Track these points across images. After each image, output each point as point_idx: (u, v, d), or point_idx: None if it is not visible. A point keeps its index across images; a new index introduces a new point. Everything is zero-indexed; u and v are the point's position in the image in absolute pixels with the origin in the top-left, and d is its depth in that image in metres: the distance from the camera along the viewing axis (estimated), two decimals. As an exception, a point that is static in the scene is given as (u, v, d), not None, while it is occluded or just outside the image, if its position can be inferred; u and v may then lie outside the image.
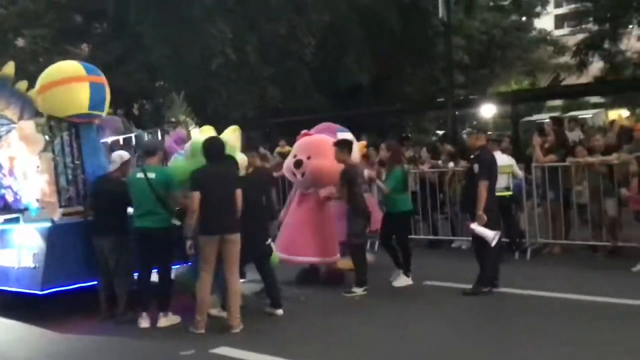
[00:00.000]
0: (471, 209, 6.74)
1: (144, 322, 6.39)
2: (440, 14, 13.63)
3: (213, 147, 6.20)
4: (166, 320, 6.37)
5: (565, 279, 7.31)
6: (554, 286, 6.83)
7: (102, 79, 7.44)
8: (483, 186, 6.58)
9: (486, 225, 6.56)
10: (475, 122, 24.86)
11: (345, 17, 18.22)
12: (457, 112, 17.00)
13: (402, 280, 7.45)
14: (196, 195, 5.95)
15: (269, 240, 6.72)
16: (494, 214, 6.77)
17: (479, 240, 6.72)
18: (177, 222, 6.45)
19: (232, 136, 7.06)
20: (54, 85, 7.15)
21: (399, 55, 20.05)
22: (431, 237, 10.09)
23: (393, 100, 21.60)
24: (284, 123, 18.68)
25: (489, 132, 7.15)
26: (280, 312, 6.49)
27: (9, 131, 7.36)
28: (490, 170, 6.76)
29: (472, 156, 6.98)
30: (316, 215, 7.64)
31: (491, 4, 25.10)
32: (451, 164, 9.89)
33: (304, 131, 8.20)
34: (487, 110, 20.98)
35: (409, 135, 18.60)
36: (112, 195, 6.57)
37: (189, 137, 7.83)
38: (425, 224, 10.09)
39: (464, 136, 7.86)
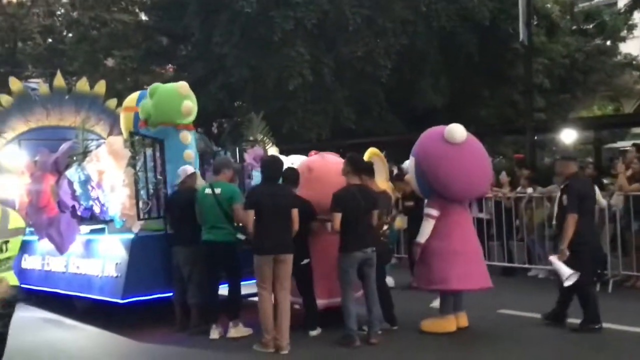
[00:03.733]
0: (557, 240, 6.42)
1: (214, 334, 6.55)
2: (521, 37, 13.35)
3: (271, 166, 6.26)
4: (235, 331, 6.49)
5: None
6: (634, 320, 6.50)
7: None
8: (571, 219, 6.18)
9: (568, 263, 6.19)
10: (554, 148, 24.12)
11: (424, 40, 18.17)
12: (536, 137, 16.54)
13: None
14: (250, 213, 6.02)
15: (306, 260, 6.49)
16: (586, 251, 6.31)
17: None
18: (241, 237, 6.49)
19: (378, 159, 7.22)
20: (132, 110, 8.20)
21: (476, 77, 19.78)
22: (506, 264, 9.84)
23: (468, 124, 21.25)
24: (358, 144, 18.74)
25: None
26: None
27: (98, 146, 7.77)
28: (582, 201, 6.30)
29: (562, 186, 6.60)
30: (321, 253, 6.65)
31: (574, 27, 24.41)
32: (529, 190, 9.64)
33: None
34: (568, 136, 20.29)
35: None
36: (181, 207, 6.82)
37: (266, 155, 8.03)
38: (500, 250, 9.85)
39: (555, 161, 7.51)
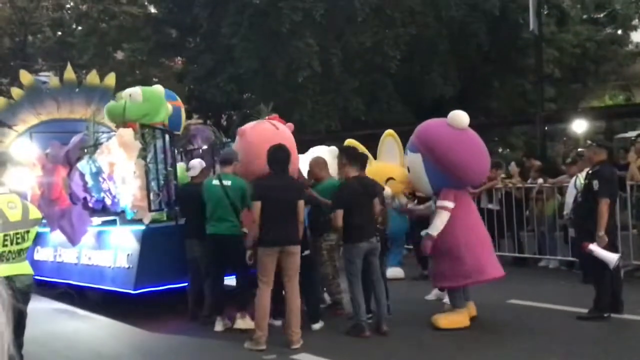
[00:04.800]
0: (585, 227, 6.37)
1: (218, 326, 6.56)
2: (531, 27, 13.27)
3: (277, 156, 6.03)
4: (243, 322, 6.45)
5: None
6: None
7: (177, 102, 8.68)
8: (604, 204, 6.12)
9: (606, 247, 6.13)
10: (565, 138, 23.98)
11: (433, 30, 18.10)
12: (546, 127, 16.47)
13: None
14: (257, 205, 5.82)
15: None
16: (613, 235, 6.36)
17: (596, 263, 6.24)
18: (246, 230, 6.48)
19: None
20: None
21: (485, 68, 19.71)
22: (516, 254, 9.82)
23: (478, 114, 21.19)
24: (368, 135, 18.71)
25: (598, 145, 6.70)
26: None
27: (109, 138, 7.81)
28: (612, 187, 6.32)
29: (590, 171, 6.54)
30: None
31: (585, 16, 24.22)
32: (540, 180, 9.60)
33: None
34: (579, 126, 20.17)
35: (494, 150, 18.22)
36: (197, 200, 6.81)
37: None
38: (510, 240, 9.83)
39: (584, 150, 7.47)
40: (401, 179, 7.83)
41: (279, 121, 7.26)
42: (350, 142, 8.04)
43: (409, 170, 6.70)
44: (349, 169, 6.25)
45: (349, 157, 6.33)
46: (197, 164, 7.11)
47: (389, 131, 8.17)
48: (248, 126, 7.07)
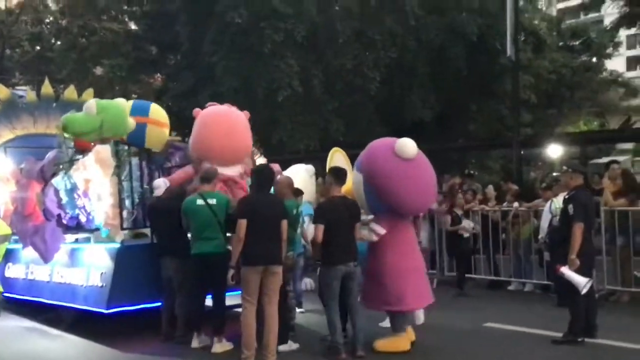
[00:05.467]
0: (561, 251, 6.43)
1: (195, 343, 6.50)
2: (509, 53, 13.49)
3: (263, 175, 6.09)
4: (220, 346, 6.40)
5: (630, 329, 6.96)
6: (619, 335, 6.53)
7: (144, 118, 8.36)
8: (578, 228, 6.20)
9: (578, 271, 6.21)
10: (540, 163, 24.30)
11: (413, 54, 18.30)
12: (522, 152, 16.68)
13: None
14: (243, 223, 5.78)
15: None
16: (588, 259, 6.39)
17: (569, 286, 6.30)
18: (230, 248, 6.41)
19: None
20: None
21: (464, 92, 19.93)
22: (492, 277, 9.87)
23: (456, 137, 21.39)
24: (347, 155, 18.78)
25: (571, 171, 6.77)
26: (283, 347, 6.21)
27: (84, 155, 7.71)
28: (587, 211, 6.39)
29: (566, 196, 6.62)
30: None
31: (560, 43, 24.70)
32: (516, 204, 9.70)
33: None
34: (555, 151, 20.47)
35: (472, 173, 18.37)
36: (166, 216, 6.74)
37: (254, 164, 8.02)
38: (486, 263, 9.89)
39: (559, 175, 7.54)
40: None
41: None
42: (336, 150, 7.97)
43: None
44: (334, 187, 6.19)
45: (336, 176, 6.27)
46: (162, 183, 7.05)
47: (336, 148, 8.14)
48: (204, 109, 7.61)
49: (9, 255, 8.66)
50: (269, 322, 5.83)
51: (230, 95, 17.39)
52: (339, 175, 6.30)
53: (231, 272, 5.98)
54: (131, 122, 7.66)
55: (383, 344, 6.22)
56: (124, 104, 7.91)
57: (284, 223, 5.95)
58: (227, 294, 6.65)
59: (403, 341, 6.28)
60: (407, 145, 6.14)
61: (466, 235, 9.58)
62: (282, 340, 6.21)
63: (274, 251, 5.84)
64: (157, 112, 8.63)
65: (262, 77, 16.76)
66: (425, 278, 6.65)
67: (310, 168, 8.97)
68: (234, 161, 7.35)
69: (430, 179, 6.43)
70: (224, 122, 7.44)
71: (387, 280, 6.18)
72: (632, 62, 44.60)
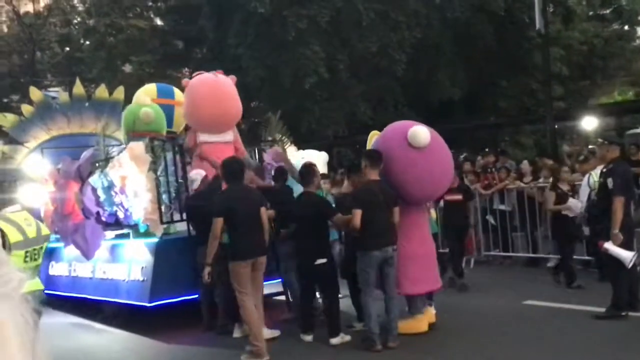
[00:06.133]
0: (601, 226, 6.32)
1: (237, 332, 6.58)
2: (537, 26, 13.22)
3: (231, 168, 5.99)
4: (241, 331, 6.43)
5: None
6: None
7: (171, 101, 9.03)
8: (619, 202, 6.04)
9: (621, 245, 6.08)
10: (575, 136, 23.84)
11: (438, 32, 18.10)
12: (556, 126, 16.40)
13: None
14: (219, 221, 5.73)
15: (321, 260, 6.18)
16: (629, 232, 6.27)
17: (612, 261, 6.18)
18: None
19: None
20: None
21: (493, 68, 19.66)
22: (530, 254, 9.75)
23: (487, 115, 21.15)
24: (376, 140, 18.70)
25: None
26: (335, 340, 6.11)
27: (120, 151, 7.85)
28: (627, 184, 6.26)
29: (604, 169, 6.48)
30: None
31: (590, 13, 24.14)
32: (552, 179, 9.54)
33: None
34: (589, 123, 20.07)
35: (505, 150, 18.13)
36: (203, 210, 6.81)
37: (284, 154, 8.06)
38: (524, 240, 9.77)
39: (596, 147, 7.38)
40: None
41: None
42: (375, 133, 7.87)
43: None
44: (369, 171, 5.99)
45: (371, 159, 6.07)
46: (197, 175, 7.13)
47: (375, 132, 8.07)
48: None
49: (52, 254, 8.88)
50: (255, 315, 5.79)
51: (257, 85, 17.50)
52: (374, 158, 6.08)
53: (207, 269, 5.88)
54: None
55: (400, 326, 6.13)
56: (150, 89, 8.27)
57: (263, 211, 5.90)
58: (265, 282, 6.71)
59: (420, 322, 6.27)
60: (419, 135, 5.98)
61: (572, 215, 8.13)
62: (334, 332, 6.15)
63: (261, 242, 5.85)
64: (181, 94, 8.86)
65: (288, 66, 16.78)
66: (432, 263, 6.52)
67: (323, 154, 8.97)
68: (224, 128, 7.68)
69: (441, 168, 6.28)
70: (212, 90, 7.62)
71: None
72: (667, 28, 43.31)
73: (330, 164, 10.49)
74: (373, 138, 7.83)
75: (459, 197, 8.36)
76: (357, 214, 5.79)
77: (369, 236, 5.81)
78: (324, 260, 6.14)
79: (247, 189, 6.09)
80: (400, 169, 6.01)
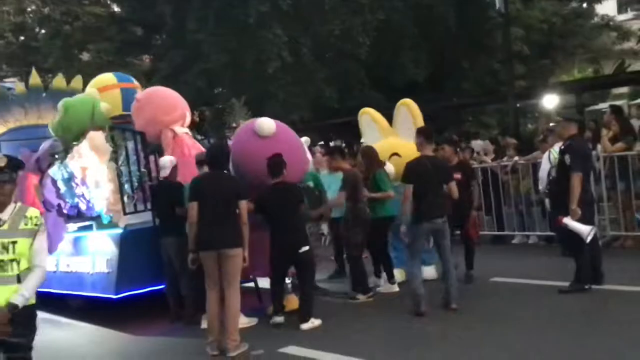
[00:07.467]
0: (561, 202, 6.41)
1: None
2: (497, 5, 13.36)
3: (210, 152, 5.93)
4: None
5: (636, 273, 7.00)
6: (625, 279, 6.56)
7: (133, 84, 8.98)
8: (577, 178, 6.17)
9: (580, 220, 6.20)
10: (537, 114, 24.22)
11: (400, 14, 18.09)
12: (518, 105, 16.62)
13: (387, 287, 7.34)
14: (193, 205, 5.56)
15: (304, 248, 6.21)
16: (589, 208, 6.42)
17: (574, 236, 6.28)
18: None
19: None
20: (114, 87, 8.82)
21: (455, 49, 19.77)
22: (496, 232, 9.90)
23: (451, 96, 21.29)
24: (341, 124, 18.71)
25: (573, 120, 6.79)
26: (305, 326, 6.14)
27: (79, 142, 7.67)
28: (584, 161, 6.38)
29: (562, 146, 6.57)
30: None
31: (549, -8, 24.40)
32: (515, 158, 9.68)
33: None
34: (550, 101, 20.39)
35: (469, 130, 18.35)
36: (169, 199, 6.73)
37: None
38: (489, 218, 9.91)
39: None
40: (408, 155, 6.92)
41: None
42: (365, 111, 7.98)
43: None
44: (424, 147, 6.33)
45: (425, 135, 6.39)
46: (168, 162, 7.00)
47: (404, 100, 8.00)
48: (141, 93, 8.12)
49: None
50: (229, 307, 5.56)
51: (220, 70, 17.28)
52: (427, 133, 6.41)
53: (191, 255, 5.71)
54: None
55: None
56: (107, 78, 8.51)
57: (242, 204, 5.60)
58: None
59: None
60: (264, 124, 6.38)
61: None
62: (305, 318, 6.17)
63: (226, 234, 5.49)
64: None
65: (250, 50, 16.60)
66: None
67: (306, 139, 8.92)
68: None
69: (296, 154, 6.55)
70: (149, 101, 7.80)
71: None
72: (623, 5, 44.06)
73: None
74: (363, 116, 7.92)
75: (457, 176, 7.31)
76: (408, 188, 6.12)
77: (419, 208, 6.09)
78: (306, 248, 6.24)
79: (225, 178, 5.88)
80: (253, 158, 6.26)
